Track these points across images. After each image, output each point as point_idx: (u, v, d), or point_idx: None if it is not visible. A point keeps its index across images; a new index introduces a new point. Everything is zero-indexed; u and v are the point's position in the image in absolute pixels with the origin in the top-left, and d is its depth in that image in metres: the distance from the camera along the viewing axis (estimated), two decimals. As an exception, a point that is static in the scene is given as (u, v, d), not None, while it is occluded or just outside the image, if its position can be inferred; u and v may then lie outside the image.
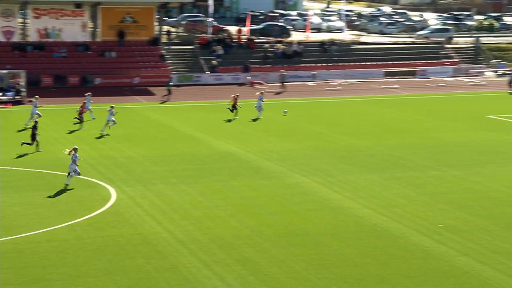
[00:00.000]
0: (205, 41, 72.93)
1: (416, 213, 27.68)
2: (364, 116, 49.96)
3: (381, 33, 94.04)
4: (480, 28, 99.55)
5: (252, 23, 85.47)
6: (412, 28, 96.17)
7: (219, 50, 71.57)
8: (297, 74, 70.54)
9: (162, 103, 55.28)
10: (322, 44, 76.89)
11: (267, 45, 74.81)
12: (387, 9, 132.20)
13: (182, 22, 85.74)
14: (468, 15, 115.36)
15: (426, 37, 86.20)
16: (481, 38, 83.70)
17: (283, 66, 67.98)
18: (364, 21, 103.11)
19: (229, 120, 47.00)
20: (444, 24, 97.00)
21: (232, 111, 48.09)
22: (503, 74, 72.64)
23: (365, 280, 21.37)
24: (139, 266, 22.29)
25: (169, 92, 56.79)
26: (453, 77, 72.79)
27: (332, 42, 77.17)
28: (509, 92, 61.80)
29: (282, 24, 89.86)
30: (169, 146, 39.61)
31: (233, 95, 48.92)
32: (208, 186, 31.27)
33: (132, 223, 26.22)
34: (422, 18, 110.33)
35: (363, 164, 35.54)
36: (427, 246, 24.08)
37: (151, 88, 61.35)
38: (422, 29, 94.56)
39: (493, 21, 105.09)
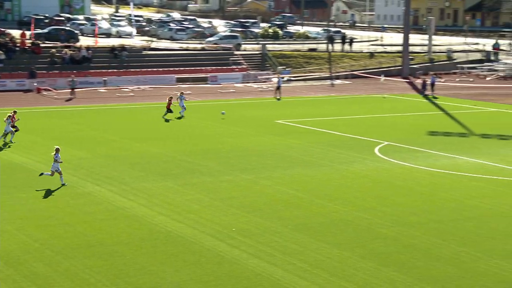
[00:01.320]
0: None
1: (211, 218, 27.89)
2: (156, 122, 49.88)
3: (172, 39, 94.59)
4: (266, 36, 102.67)
5: (37, 27, 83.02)
6: (201, 35, 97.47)
7: (1, 55, 68.86)
8: (88, 80, 69.47)
9: None
10: (112, 49, 76.09)
11: (54, 50, 72.88)
12: (176, 15, 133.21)
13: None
14: (254, 23, 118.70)
15: (215, 44, 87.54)
16: (267, 46, 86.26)
17: (72, 72, 66.59)
18: (154, 27, 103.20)
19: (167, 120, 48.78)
20: (232, 31, 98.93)
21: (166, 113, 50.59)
22: (288, 80, 75.30)
23: (160, 287, 21.27)
24: None
25: None
26: (243, 83, 74.39)
27: (122, 48, 76.52)
28: (277, 98, 63.36)
29: (69, 28, 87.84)
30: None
31: (168, 97, 51.76)
32: (-6, 199, 29.87)
33: None
34: (211, 25, 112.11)
35: (157, 171, 35.44)
36: (221, 250, 24.31)
37: None
38: (211, 35, 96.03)
39: (277, 29, 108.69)
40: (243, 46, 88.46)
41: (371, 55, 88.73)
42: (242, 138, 44.72)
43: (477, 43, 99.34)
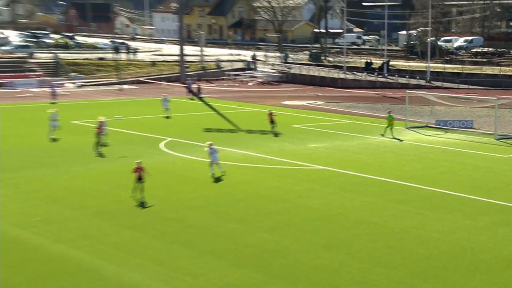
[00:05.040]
0: None
1: (14, 209, 26.94)
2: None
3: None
4: (57, 45, 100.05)
5: None
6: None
7: None
8: None
9: None
10: None
11: None
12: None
13: None
14: (46, 34, 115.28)
15: (10, 52, 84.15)
16: (59, 54, 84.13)
17: None
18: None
19: None
20: (26, 41, 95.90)
21: None
22: (81, 85, 73.97)
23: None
24: None
25: None
26: (39, 88, 72.02)
27: None
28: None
29: None
30: None
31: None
32: None
33: None
34: (4, 35, 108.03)
35: (-39, 169, 33.55)
36: (25, 238, 23.54)
37: None
38: (5, 44, 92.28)
39: (68, 40, 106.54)
40: (36, 55, 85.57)
41: (153, 63, 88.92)
42: (41, 137, 43.31)
43: (239, 54, 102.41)
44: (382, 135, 44.50)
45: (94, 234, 24.18)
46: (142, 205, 27.75)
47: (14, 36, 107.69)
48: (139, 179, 28.40)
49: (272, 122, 46.44)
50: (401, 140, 43.48)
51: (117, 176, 32.88)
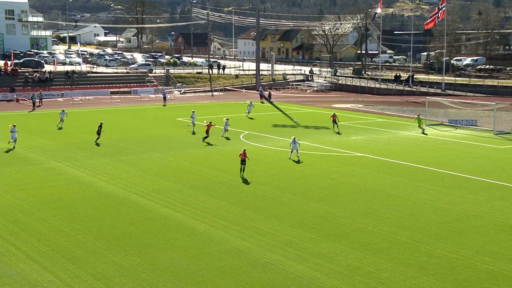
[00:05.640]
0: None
1: (135, 181, 27.35)
2: (98, 120, 48.11)
3: (106, 66, 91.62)
4: (169, 64, 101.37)
5: (15, 58, 78.66)
6: (125, 63, 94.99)
7: (-9, 77, 64.56)
8: (50, 93, 66.34)
9: None
10: (66, 73, 73.01)
11: (27, 73, 69.29)
12: (109, 50, 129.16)
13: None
14: (161, 55, 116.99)
15: (136, 69, 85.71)
16: (170, 70, 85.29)
17: (40, 88, 63.42)
18: (95, 58, 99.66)
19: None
20: (147, 60, 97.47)
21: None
22: (184, 92, 74.71)
23: (102, 227, 20.70)
24: None
25: None
26: (155, 94, 73.20)
27: (73, 72, 73.56)
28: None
29: (37, 59, 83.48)
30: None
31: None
32: (-13, 173, 28.02)
33: None
34: (132, 56, 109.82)
35: (98, 152, 34.33)
36: (142, 203, 23.89)
37: None
38: (133, 63, 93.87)
39: (176, 60, 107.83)
40: (154, 70, 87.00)
41: (237, 76, 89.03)
42: (154, 129, 43.95)
43: (300, 69, 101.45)
44: (422, 131, 43.09)
45: (189, 201, 24.30)
46: (224, 181, 27.68)
47: (139, 57, 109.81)
48: (242, 161, 28.07)
49: (334, 122, 43.59)
50: (426, 134, 42.18)
51: (207, 159, 32.96)
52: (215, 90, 78.44)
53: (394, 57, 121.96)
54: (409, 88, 78.23)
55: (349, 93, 78.57)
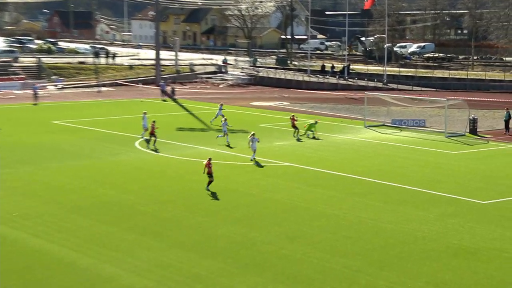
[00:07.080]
0: None
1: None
2: None
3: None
4: (41, 50, 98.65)
5: None
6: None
7: None
8: None
9: None
10: None
11: None
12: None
13: None
14: (30, 40, 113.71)
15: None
16: (42, 59, 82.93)
17: None
18: None
19: None
20: (11, 46, 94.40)
21: None
22: (62, 88, 72.90)
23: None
24: None
25: None
26: (22, 90, 70.72)
27: None
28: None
29: None
30: None
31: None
32: None
33: None
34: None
35: None
36: (3, 233, 22.87)
37: None
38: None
39: (51, 45, 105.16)
40: (20, 59, 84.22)
41: (131, 67, 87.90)
42: (22, 136, 42.44)
43: (211, 59, 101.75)
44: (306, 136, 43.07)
45: (69, 228, 23.59)
46: (115, 200, 27.12)
47: (0, 42, 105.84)
48: (209, 174, 28.59)
49: (294, 126, 42.90)
50: (301, 140, 42.02)
51: (93, 173, 32.25)
52: (103, 85, 76.94)
53: (326, 43, 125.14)
54: (344, 82, 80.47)
55: (272, 87, 79.68)
